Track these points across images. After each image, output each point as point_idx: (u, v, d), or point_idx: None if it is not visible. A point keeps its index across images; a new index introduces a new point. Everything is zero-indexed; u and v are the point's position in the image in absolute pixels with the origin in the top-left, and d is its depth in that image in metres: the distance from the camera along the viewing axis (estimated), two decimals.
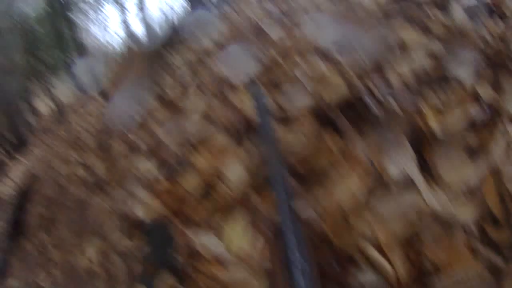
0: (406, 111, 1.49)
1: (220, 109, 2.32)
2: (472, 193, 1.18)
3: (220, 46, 3.55)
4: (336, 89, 1.80)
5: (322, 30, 2.46)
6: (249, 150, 1.81)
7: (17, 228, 4.94)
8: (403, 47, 1.88)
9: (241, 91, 2.34)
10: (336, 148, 1.51)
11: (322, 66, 2.05)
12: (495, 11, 1.96)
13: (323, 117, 1.69)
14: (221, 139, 2.01)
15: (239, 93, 2.32)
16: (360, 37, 2.12)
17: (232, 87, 2.47)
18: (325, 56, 2.14)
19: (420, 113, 1.47)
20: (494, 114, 1.37)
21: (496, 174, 1.18)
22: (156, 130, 2.75)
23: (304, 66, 2.18)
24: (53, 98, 8.50)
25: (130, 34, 8.14)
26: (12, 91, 9.51)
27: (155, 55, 4.29)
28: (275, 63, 2.40)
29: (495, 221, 1.10)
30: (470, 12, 1.96)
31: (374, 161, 1.38)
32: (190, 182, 1.91)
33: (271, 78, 2.27)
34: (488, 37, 1.74)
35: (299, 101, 1.87)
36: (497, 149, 1.25)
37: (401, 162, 1.31)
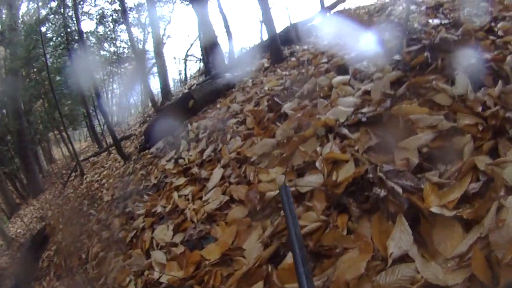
0: (406, 190, 1.59)
1: (237, 182, 2.45)
2: (462, 259, 1.28)
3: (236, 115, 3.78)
4: (344, 167, 1.93)
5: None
6: (264, 223, 1.96)
7: (29, 270, 5.01)
8: (409, 125, 1.97)
9: (257, 166, 2.48)
10: (342, 225, 1.66)
11: (333, 145, 2.15)
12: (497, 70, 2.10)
13: (332, 196, 1.81)
14: (237, 211, 2.16)
15: (255, 168, 2.44)
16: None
17: (248, 161, 2.60)
18: (336, 133, 2.25)
19: (419, 191, 1.59)
20: (489, 182, 1.49)
21: (485, 240, 1.27)
22: (174, 196, 2.90)
23: (316, 144, 2.27)
24: (70, 148, 8.85)
25: (151, 97, 8.58)
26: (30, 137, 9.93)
27: (174, 121, 4.54)
28: (289, 140, 2.49)
29: (483, 285, 1.17)
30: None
31: (375, 238, 1.52)
32: (208, 250, 2.06)
33: (285, 155, 2.36)
34: (488, 101, 1.87)
35: (311, 180, 2.00)
36: (488, 216, 1.32)
37: (400, 240, 1.43)
